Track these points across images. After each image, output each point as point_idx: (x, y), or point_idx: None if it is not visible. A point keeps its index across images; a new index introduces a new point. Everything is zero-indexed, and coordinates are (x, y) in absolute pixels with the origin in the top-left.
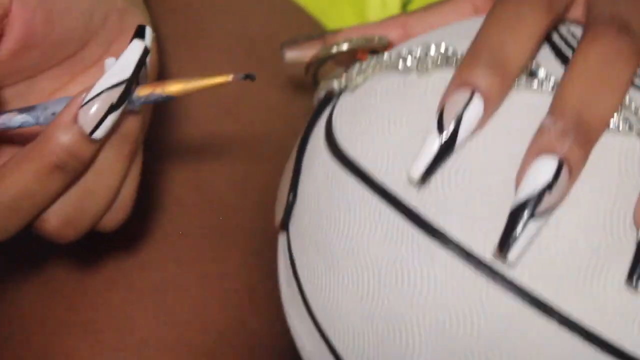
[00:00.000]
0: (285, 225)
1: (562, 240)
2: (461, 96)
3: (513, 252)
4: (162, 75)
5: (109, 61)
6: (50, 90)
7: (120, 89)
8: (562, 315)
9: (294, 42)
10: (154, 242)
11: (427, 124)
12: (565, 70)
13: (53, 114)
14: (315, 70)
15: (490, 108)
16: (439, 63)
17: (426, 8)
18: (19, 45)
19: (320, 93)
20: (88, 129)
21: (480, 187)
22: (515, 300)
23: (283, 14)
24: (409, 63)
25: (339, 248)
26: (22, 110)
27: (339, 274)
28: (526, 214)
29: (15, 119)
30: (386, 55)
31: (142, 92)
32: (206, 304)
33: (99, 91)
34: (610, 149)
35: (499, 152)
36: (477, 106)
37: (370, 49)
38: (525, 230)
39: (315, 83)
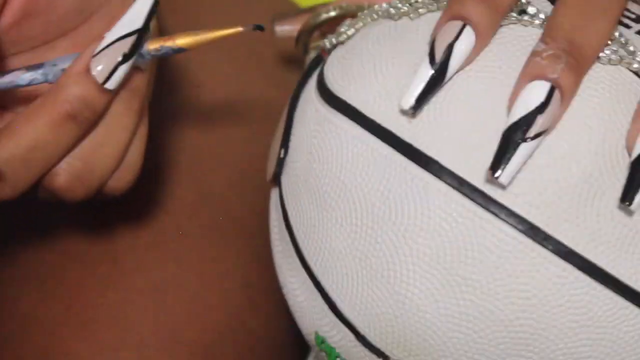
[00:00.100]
0: (277, 179)
1: (555, 167)
2: (452, 27)
3: (505, 174)
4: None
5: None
6: None
7: (132, 39)
8: (556, 242)
9: (284, 17)
10: (153, 241)
11: (419, 62)
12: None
13: (62, 70)
14: (305, 40)
15: (481, 40)
16: (429, 7)
17: None
18: (22, 13)
19: (312, 53)
20: (101, 79)
21: (472, 117)
22: (510, 227)
23: None
24: (400, 6)
25: (331, 189)
26: (30, 68)
27: (332, 215)
28: (518, 135)
29: (23, 77)
30: (377, 6)
31: (152, 45)
32: (205, 304)
33: (110, 41)
34: (602, 80)
35: (490, 81)
36: (468, 37)
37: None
38: (517, 153)
39: (305, 53)
